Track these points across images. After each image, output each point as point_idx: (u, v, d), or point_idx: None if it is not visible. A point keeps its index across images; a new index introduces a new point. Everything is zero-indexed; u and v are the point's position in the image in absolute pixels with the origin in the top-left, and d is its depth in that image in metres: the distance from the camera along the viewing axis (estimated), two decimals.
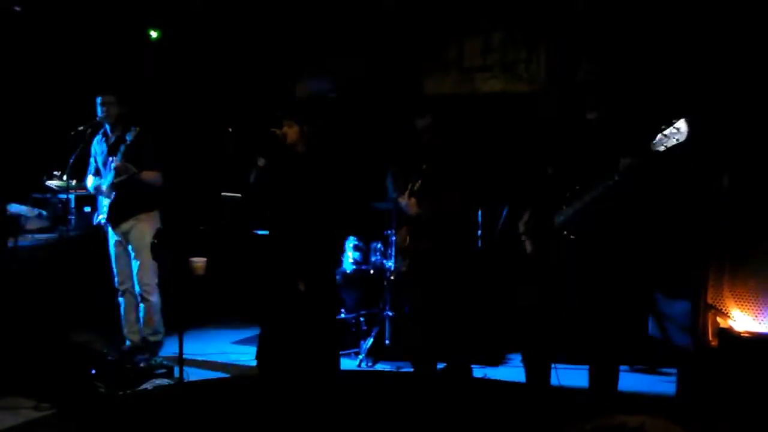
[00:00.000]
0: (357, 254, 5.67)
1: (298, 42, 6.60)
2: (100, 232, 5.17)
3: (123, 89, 5.11)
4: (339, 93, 6.62)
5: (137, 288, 5.06)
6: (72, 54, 6.07)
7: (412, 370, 4.70)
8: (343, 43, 6.48)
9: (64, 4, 6.00)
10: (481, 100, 6.17)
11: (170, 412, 4.01)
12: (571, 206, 3.59)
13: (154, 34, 6.45)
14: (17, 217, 5.25)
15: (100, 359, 4.42)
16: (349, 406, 4.15)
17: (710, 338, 4.08)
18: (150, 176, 4.97)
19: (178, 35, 6.51)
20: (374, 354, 5.23)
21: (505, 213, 4.08)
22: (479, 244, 5.03)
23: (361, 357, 5.19)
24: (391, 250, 5.31)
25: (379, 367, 5.14)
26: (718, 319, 4.10)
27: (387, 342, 5.25)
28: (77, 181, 5.31)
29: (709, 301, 4.11)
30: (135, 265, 5.03)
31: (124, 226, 5.03)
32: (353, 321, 5.44)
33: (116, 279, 5.14)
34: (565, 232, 3.60)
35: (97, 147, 5.14)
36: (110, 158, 4.95)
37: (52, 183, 5.55)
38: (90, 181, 5.16)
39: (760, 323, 3.97)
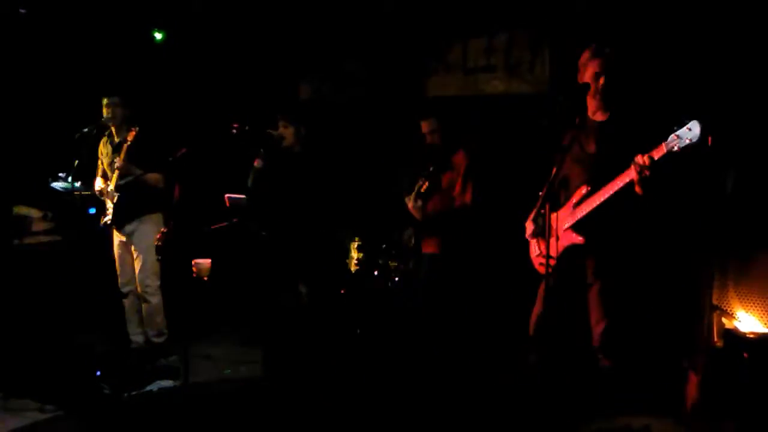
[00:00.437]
0: (362, 255, 5.66)
1: (301, 44, 6.61)
2: (105, 234, 5.18)
3: (128, 91, 5.12)
4: (342, 95, 6.63)
5: (139, 289, 5.07)
6: (77, 56, 6.09)
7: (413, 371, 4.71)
8: (345, 44, 6.49)
9: (69, 6, 6.02)
10: (485, 100, 6.16)
11: (175, 414, 4.02)
12: (577, 208, 3.59)
13: (158, 35, 6.46)
14: (23, 218, 5.26)
15: (104, 361, 4.43)
16: (350, 406, 4.15)
17: (715, 339, 4.07)
18: (154, 178, 4.98)
19: (182, 37, 6.53)
20: (379, 355, 5.22)
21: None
22: (484, 245, 5.03)
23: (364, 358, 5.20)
24: (397, 251, 5.32)
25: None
26: (723, 319, 4.10)
27: (393, 343, 5.24)
28: (83, 183, 5.33)
29: (714, 301, 4.11)
30: (137, 266, 5.04)
31: (128, 228, 5.04)
32: (357, 321, 5.44)
33: (119, 280, 5.15)
34: (573, 234, 3.60)
35: (103, 149, 5.16)
36: (115, 160, 4.97)
37: (57, 185, 5.56)
38: (97, 183, 5.17)
39: (765, 324, 3.97)
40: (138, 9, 6.19)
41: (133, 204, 5.01)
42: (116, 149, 5.03)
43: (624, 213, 3.53)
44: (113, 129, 5.09)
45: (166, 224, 5.07)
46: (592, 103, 3.66)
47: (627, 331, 3.76)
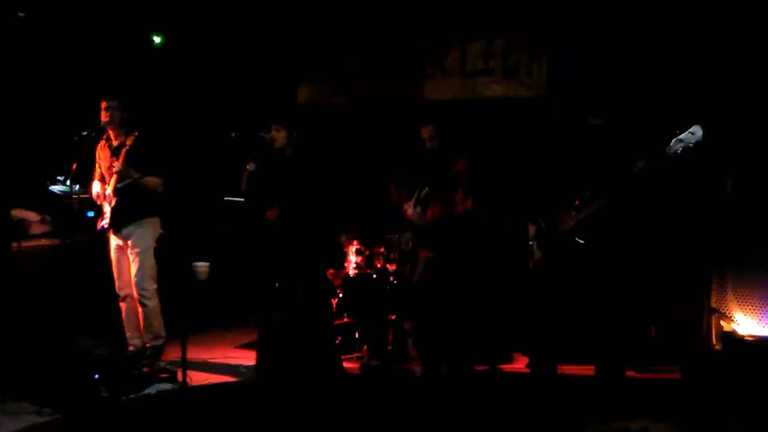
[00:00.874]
0: (360, 258, 5.66)
1: (298, 47, 6.62)
2: (103, 237, 5.18)
3: (126, 94, 5.12)
4: (339, 98, 6.65)
5: (136, 293, 5.06)
6: (76, 59, 6.09)
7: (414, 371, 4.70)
8: (343, 48, 6.50)
9: (67, 9, 6.02)
10: (483, 104, 6.17)
11: (173, 417, 4.01)
12: (581, 211, 3.60)
13: (157, 39, 6.47)
14: (21, 222, 5.25)
15: (103, 364, 4.41)
16: (350, 406, 4.14)
17: (714, 342, 4.08)
18: (152, 181, 4.98)
19: (181, 40, 6.53)
20: (377, 358, 5.22)
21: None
22: (484, 249, 5.03)
23: (363, 360, 5.19)
24: (395, 255, 5.31)
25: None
26: (722, 322, 4.10)
27: (390, 346, 5.24)
28: (82, 187, 5.32)
29: (713, 304, 4.12)
30: (134, 270, 5.03)
31: (126, 231, 5.03)
32: (356, 325, 5.44)
33: (116, 284, 5.14)
34: (576, 237, 3.61)
35: (101, 152, 5.16)
36: (113, 163, 4.96)
37: (56, 188, 5.55)
38: (94, 186, 5.16)
39: (763, 327, 3.98)
40: (136, 12, 6.19)
41: (131, 207, 5.00)
42: (114, 152, 5.03)
43: (626, 215, 3.55)
44: (111, 132, 5.08)
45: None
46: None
47: (627, 331, 3.77)
